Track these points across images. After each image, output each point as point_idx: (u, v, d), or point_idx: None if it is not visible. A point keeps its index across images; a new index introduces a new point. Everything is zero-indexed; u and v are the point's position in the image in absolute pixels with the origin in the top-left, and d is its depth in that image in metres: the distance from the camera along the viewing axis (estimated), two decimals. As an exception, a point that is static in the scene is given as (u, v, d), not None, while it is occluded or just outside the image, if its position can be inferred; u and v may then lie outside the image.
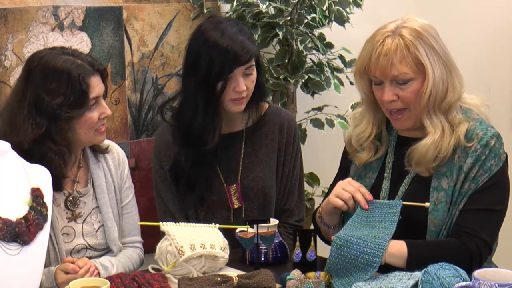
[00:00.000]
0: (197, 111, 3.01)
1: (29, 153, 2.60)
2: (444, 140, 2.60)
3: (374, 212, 2.60)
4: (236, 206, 3.11)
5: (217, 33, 2.98)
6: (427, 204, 2.58)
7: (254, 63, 3.02)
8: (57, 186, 2.70)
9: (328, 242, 2.81)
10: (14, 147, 2.50)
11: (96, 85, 2.70)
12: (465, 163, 2.59)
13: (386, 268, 2.50)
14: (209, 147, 3.03)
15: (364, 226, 2.58)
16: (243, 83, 2.99)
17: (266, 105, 3.21)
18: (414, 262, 2.50)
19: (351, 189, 2.64)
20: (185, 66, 3.10)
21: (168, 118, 3.20)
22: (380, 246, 2.48)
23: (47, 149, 2.65)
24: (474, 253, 2.55)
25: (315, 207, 3.60)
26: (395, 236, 2.60)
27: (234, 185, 3.12)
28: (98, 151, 2.87)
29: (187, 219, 3.10)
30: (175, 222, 2.99)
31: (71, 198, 2.79)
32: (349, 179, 2.69)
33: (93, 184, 2.84)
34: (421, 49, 2.57)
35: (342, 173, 2.86)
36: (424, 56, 2.57)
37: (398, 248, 2.53)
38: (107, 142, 2.91)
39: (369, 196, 2.62)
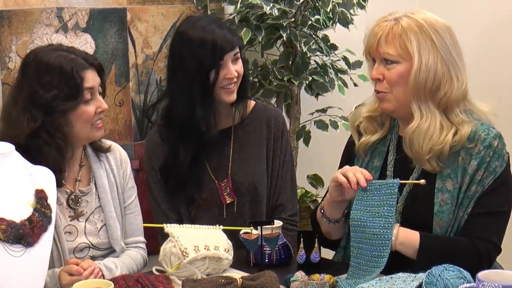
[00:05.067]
0: (194, 104, 3.08)
1: (26, 147, 2.61)
2: (441, 134, 2.62)
3: (373, 194, 2.59)
4: (228, 202, 3.16)
5: (198, 31, 3.08)
6: (422, 181, 2.58)
7: (239, 50, 3.12)
8: (57, 182, 2.70)
9: (326, 243, 2.83)
10: (11, 142, 2.53)
11: (90, 78, 2.72)
12: (470, 165, 2.61)
13: (389, 270, 2.50)
14: (212, 134, 3.11)
15: (365, 212, 2.57)
16: (233, 69, 3.08)
17: (253, 103, 3.27)
18: (424, 254, 2.53)
19: (354, 169, 2.64)
20: (170, 68, 3.18)
21: (154, 120, 3.32)
22: (385, 246, 2.51)
23: (42, 142, 2.66)
24: (484, 255, 2.57)
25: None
26: None
27: (225, 180, 3.16)
28: (100, 150, 2.88)
29: (180, 217, 3.17)
30: (168, 221, 3.04)
31: (73, 197, 2.80)
32: (354, 166, 2.69)
33: (95, 183, 2.85)
34: (413, 39, 2.61)
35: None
36: (415, 45, 2.61)
37: (411, 238, 2.56)
38: (108, 142, 2.92)
39: (369, 176, 2.61)
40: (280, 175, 3.22)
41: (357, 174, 2.61)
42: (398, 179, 2.59)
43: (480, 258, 2.56)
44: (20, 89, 2.71)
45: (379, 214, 2.55)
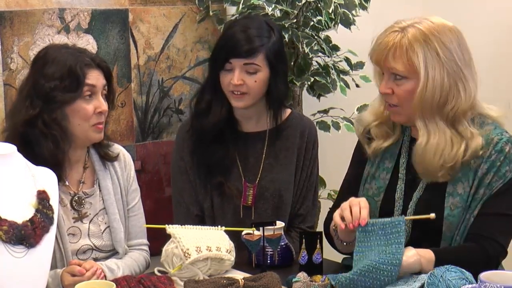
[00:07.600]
0: (204, 90, 3.16)
1: (24, 136, 2.66)
2: (452, 149, 2.58)
3: (377, 234, 2.49)
4: (246, 203, 3.14)
5: (233, 24, 3.14)
6: (432, 215, 2.51)
7: (258, 63, 3.05)
8: (57, 177, 2.69)
9: (336, 248, 2.81)
10: (10, 131, 2.67)
11: (93, 76, 2.74)
12: (480, 169, 2.59)
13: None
14: (209, 122, 3.11)
15: (370, 251, 2.47)
16: (238, 77, 3.04)
17: (289, 111, 3.25)
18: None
19: (354, 206, 2.54)
20: None
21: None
22: (393, 273, 2.40)
23: (39, 132, 2.67)
24: (491, 257, 2.55)
25: (320, 210, 3.61)
26: (412, 239, 2.59)
27: (252, 185, 3.15)
28: (107, 158, 2.87)
29: (202, 213, 3.15)
30: (189, 214, 3.03)
31: (76, 198, 2.80)
32: (362, 199, 2.58)
33: (99, 185, 2.85)
34: (419, 53, 2.56)
35: (354, 167, 2.87)
36: (421, 59, 2.56)
37: (427, 258, 2.48)
38: (116, 150, 2.92)
39: (363, 220, 2.50)
40: (306, 186, 3.21)
41: (354, 207, 2.51)
42: (403, 216, 2.53)
43: (488, 259, 2.54)
44: (27, 80, 2.77)
45: (386, 252, 2.44)
